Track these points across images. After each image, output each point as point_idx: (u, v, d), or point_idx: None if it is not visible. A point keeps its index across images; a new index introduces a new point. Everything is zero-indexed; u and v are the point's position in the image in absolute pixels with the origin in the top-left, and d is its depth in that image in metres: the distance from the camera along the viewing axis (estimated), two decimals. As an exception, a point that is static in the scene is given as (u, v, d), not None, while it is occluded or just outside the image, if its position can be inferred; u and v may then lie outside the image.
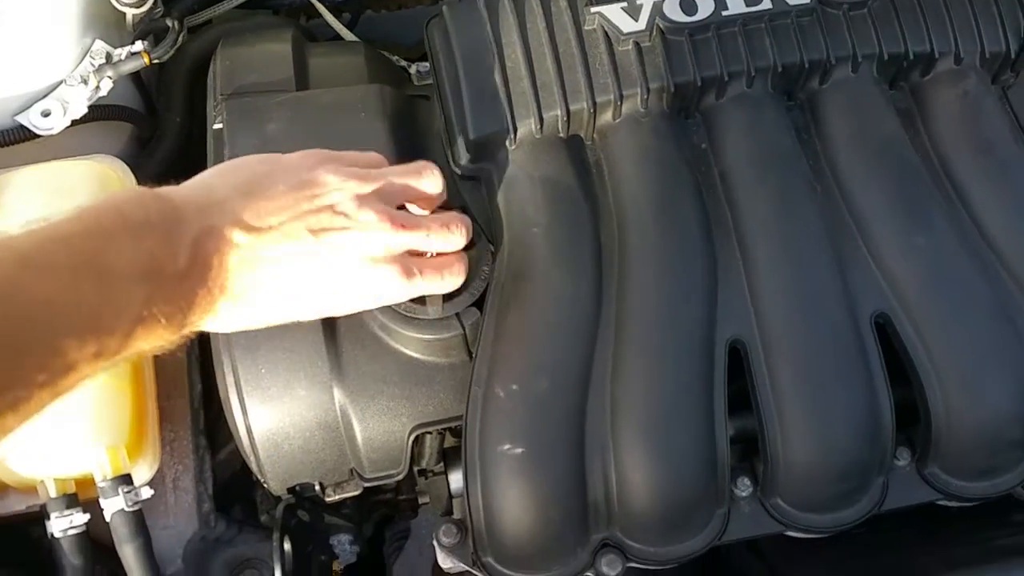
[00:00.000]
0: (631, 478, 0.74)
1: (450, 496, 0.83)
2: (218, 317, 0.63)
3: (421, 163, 0.74)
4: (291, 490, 0.82)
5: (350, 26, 1.15)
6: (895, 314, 0.77)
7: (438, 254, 0.74)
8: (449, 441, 0.85)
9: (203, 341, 0.89)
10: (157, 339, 0.57)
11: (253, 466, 0.80)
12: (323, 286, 0.66)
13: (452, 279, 0.74)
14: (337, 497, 0.83)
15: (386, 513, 1.06)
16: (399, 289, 0.70)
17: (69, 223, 0.54)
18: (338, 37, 1.14)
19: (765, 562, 0.93)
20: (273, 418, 0.78)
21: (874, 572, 0.80)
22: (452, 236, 0.73)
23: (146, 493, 0.76)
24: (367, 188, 0.68)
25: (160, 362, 0.90)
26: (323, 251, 0.65)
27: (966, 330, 0.76)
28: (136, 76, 1.04)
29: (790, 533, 0.83)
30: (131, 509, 0.75)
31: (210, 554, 0.91)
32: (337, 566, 1.18)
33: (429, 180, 0.73)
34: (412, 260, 0.70)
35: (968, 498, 0.80)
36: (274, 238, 0.63)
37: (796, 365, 0.76)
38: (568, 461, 0.73)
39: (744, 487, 0.79)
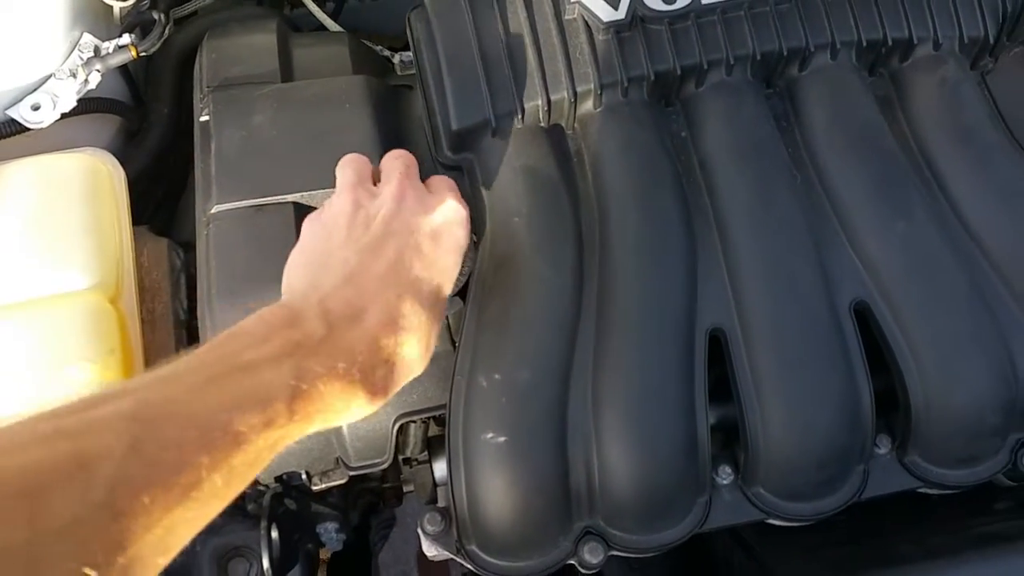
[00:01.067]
0: (613, 466, 0.75)
1: (435, 484, 0.84)
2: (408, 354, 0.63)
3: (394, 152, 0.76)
4: (278, 479, 0.83)
5: (334, 15, 1.15)
6: (874, 301, 0.78)
7: None
8: (433, 430, 0.86)
9: (192, 336, 0.90)
10: (340, 400, 0.57)
11: (239, 455, 0.81)
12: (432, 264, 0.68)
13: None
14: (324, 486, 0.84)
15: (372, 501, 1.06)
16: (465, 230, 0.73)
17: (201, 349, 0.54)
18: (322, 27, 1.14)
19: (747, 550, 0.93)
20: (258, 408, 0.78)
21: (855, 559, 0.80)
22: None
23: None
24: (395, 188, 0.71)
25: (149, 356, 0.91)
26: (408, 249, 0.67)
27: (945, 317, 0.77)
28: (124, 68, 1.05)
29: (771, 521, 0.83)
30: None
31: (198, 543, 0.92)
32: (324, 554, 1.19)
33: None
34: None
35: (949, 486, 0.81)
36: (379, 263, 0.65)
37: (775, 353, 0.76)
38: (550, 450, 0.74)
39: (725, 475, 0.80)
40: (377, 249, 0.65)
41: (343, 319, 0.59)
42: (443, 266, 0.69)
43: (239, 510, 0.97)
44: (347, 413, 0.59)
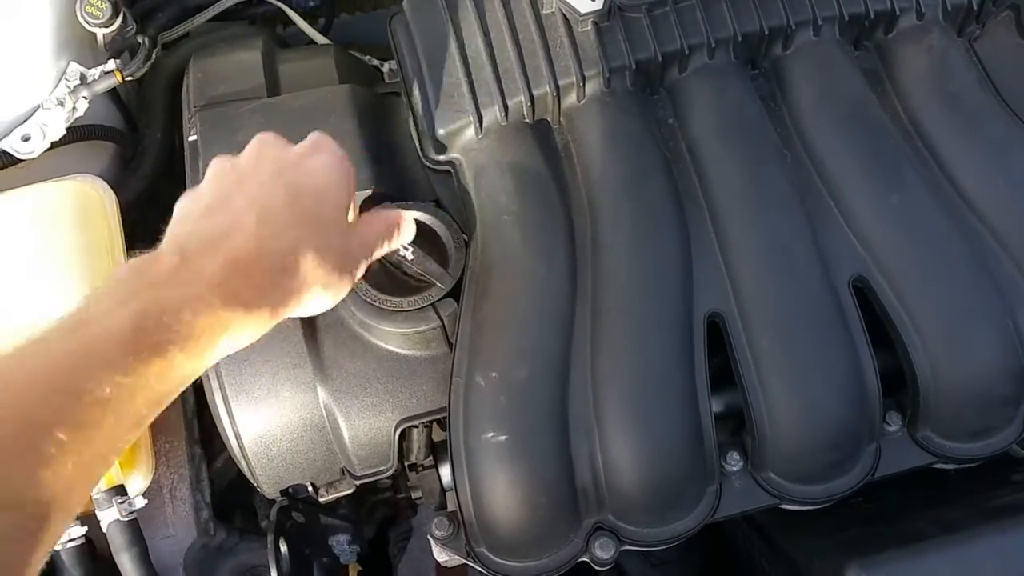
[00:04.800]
0: (617, 459, 0.74)
1: (442, 489, 0.84)
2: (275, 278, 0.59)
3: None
4: (284, 492, 0.83)
5: (324, 30, 1.16)
6: (873, 276, 0.76)
7: None
8: (437, 434, 0.86)
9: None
10: (209, 326, 0.55)
11: (245, 470, 0.81)
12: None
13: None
14: (331, 496, 0.83)
15: (387, 513, 1.06)
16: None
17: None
18: (315, 43, 1.15)
19: (764, 538, 0.92)
20: (260, 422, 0.78)
21: (872, 539, 0.79)
22: None
23: (140, 503, 0.77)
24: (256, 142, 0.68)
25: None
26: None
27: (946, 286, 0.75)
28: (115, 95, 1.06)
29: (784, 506, 0.82)
30: (126, 519, 0.75)
31: (213, 563, 0.92)
32: (354, 570, 1.19)
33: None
34: None
35: (962, 459, 0.79)
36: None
37: (776, 335, 0.75)
38: (553, 446, 0.73)
39: (734, 462, 0.79)
40: (238, 186, 0.62)
41: (200, 249, 0.57)
42: (314, 205, 0.63)
43: (254, 528, 0.97)
44: (227, 338, 0.56)
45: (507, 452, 0.73)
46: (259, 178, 0.63)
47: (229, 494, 0.97)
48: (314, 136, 0.69)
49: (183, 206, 0.63)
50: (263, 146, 0.66)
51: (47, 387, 0.48)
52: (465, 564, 1.06)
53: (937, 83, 0.82)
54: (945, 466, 0.84)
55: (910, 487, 0.85)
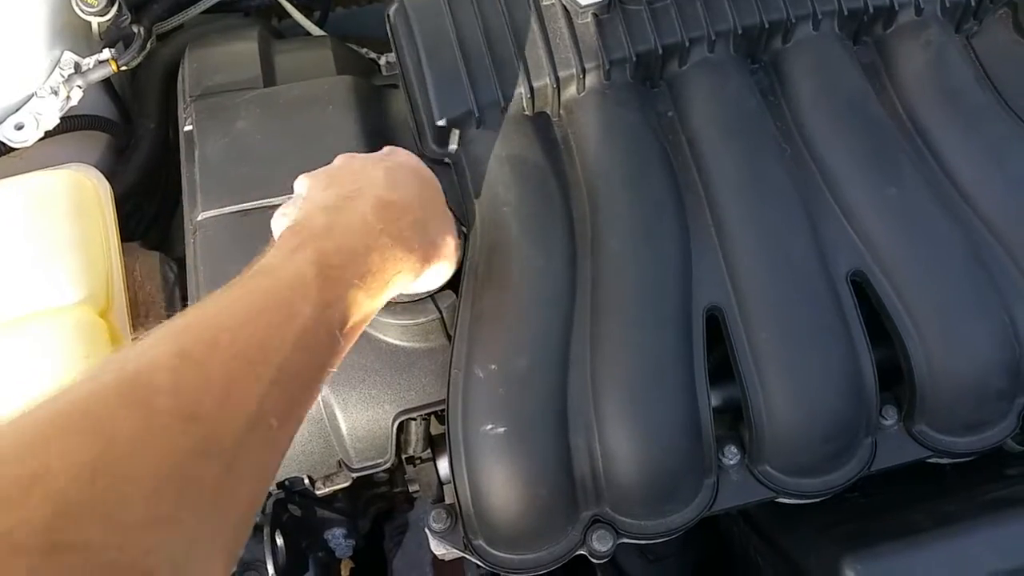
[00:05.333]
0: (616, 452, 0.74)
1: (440, 482, 0.83)
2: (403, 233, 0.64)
3: None
4: (281, 485, 0.82)
5: (320, 22, 1.15)
6: (870, 270, 0.77)
7: None
8: (435, 427, 0.85)
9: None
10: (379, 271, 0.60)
11: (240, 462, 0.80)
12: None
13: None
14: (328, 489, 0.83)
15: (383, 507, 1.05)
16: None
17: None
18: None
19: (761, 534, 0.92)
20: (256, 413, 0.78)
21: (869, 533, 0.79)
22: None
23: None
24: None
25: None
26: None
27: (943, 281, 0.76)
28: (110, 86, 1.05)
29: (781, 500, 0.82)
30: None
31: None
32: (347, 565, 1.18)
33: None
34: None
35: (958, 453, 0.80)
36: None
37: (774, 329, 0.75)
38: (552, 438, 0.73)
39: (732, 455, 0.79)
40: (350, 162, 0.70)
41: (343, 201, 0.62)
42: (428, 196, 0.71)
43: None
44: (397, 276, 0.62)
45: (506, 444, 0.73)
46: (369, 160, 0.70)
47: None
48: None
49: (304, 184, 0.69)
50: (351, 157, 0.72)
51: (261, 323, 0.49)
52: (462, 558, 1.06)
53: (935, 79, 0.82)
54: (940, 460, 0.84)
55: (905, 481, 0.85)
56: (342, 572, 1.14)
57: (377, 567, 1.12)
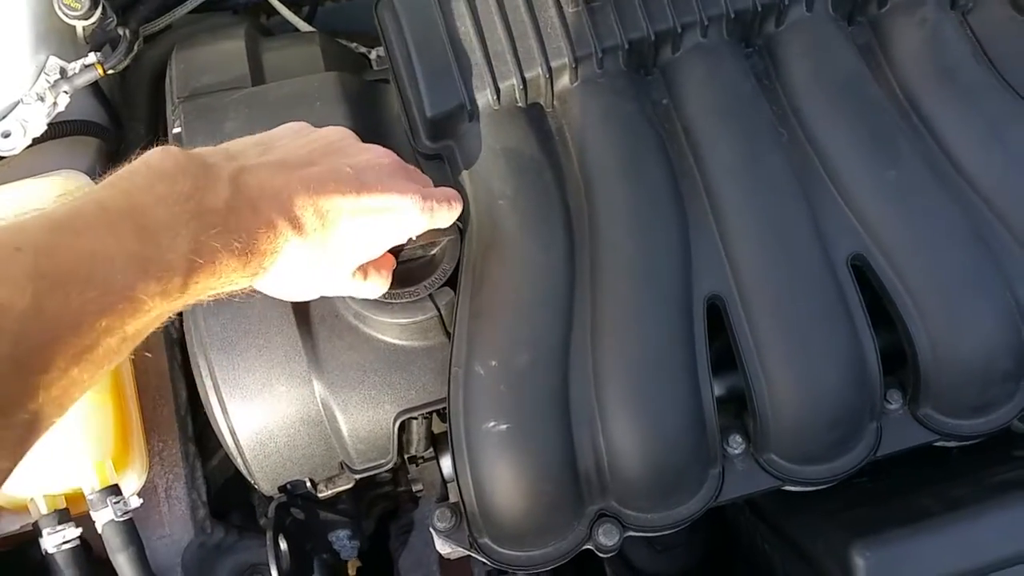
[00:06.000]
0: (620, 444, 0.73)
1: (443, 481, 0.83)
2: (290, 255, 0.62)
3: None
4: (282, 489, 0.82)
5: (308, 18, 1.14)
6: (871, 254, 0.76)
7: None
8: (437, 426, 0.85)
9: (185, 348, 0.89)
10: (229, 277, 0.58)
11: (241, 468, 0.80)
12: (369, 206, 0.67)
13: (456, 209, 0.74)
14: (330, 492, 0.82)
15: (387, 507, 1.05)
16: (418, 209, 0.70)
17: (102, 187, 0.53)
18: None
19: (768, 523, 0.92)
20: (255, 417, 0.77)
21: (875, 519, 0.79)
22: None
23: (135, 502, 0.76)
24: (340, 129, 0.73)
25: (143, 371, 0.90)
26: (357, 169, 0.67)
27: (944, 262, 0.75)
28: (99, 90, 1.04)
29: (788, 488, 0.82)
30: (121, 519, 0.74)
31: (212, 562, 0.91)
32: (353, 566, 1.18)
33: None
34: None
35: (964, 436, 0.79)
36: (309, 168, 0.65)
37: (775, 316, 0.75)
38: (555, 433, 0.73)
39: (736, 444, 0.78)
40: (310, 156, 0.67)
41: (251, 197, 0.59)
42: (368, 204, 0.66)
43: (253, 526, 0.96)
44: (225, 289, 0.59)
45: (509, 441, 0.72)
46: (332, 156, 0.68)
47: (226, 492, 0.96)
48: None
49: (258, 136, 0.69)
50: (340, 134, 0.72)
51: (104, 288, 0.48)
52: (468, 556, 1.05)
53: (931, 57, 0.81)
54: (947, 443, 0.84)
55: (912, 466, 0.85)
56: (349, 572, 1.14)
57: (383, 567, 1.12)
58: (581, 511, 0.76)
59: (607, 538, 0.76)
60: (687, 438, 0.74)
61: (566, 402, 0.73)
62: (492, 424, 0.72)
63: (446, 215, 0.73)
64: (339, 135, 0.71)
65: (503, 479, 0.73)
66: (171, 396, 0.90)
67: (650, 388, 0.73)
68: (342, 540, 0.88)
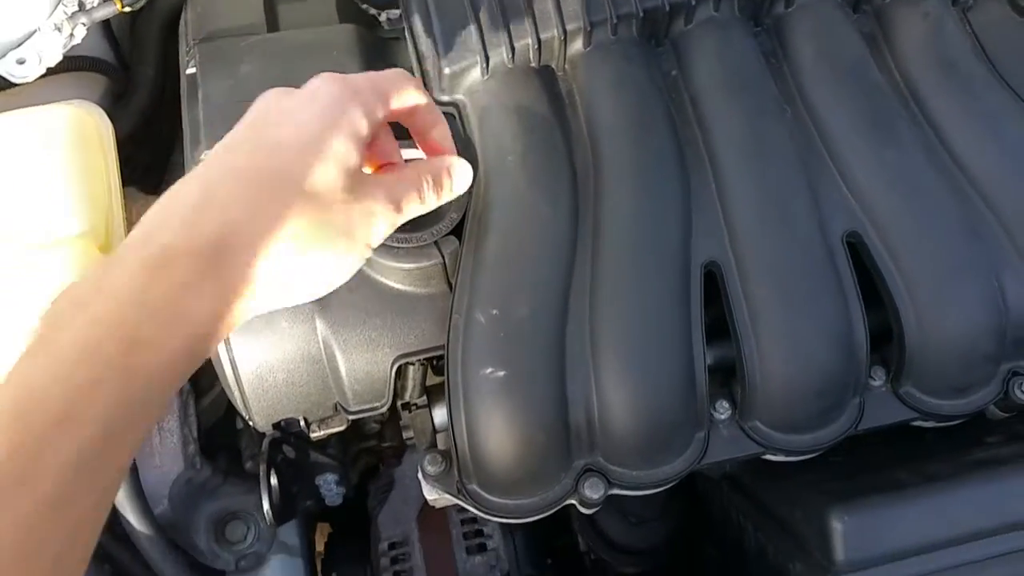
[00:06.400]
0: (611, 401, 0.75)
1: (434, 430, 0.84)
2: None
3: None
4: (276, 426, 0.82)
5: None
6: (865, 232, 0.78)
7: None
8: (432, 379, 0.86)
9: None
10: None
11: (237, 402, 0.80)
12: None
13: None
14: (322, 433, 0.83)
15: (371, 463, 1.06)
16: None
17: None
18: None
19: (743, 491, 0.94)
20: (256, 352, 0.78)
21: (853, 489, 0.81)
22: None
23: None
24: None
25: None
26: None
27: (936, 244, 0.77)
28: (109, 31, 1.04)
29: (769, 457, 0.84)
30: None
31: (197, 500, 0.92)
32: (324, 532, 1.18)
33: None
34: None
35: (943, 415, 0.82)
36: None
37: (770, 285, 0.77)
38: (550, 384, 0.74)
39: (723, 410, 0.80)
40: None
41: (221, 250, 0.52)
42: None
43: (237, 470, 0.97)
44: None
45: (505, 388, 0.73)
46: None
47: (214, 435, 0.97)
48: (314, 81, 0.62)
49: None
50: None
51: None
52: (445, 513, 1.07)
53: (933, 49, 0.84)
54: (924, 423, 0.86)
55: (889, 445, 0.87)
56: (318, 539, 1.15)
57: (357, 534, 1.12)
58: (568, 464, 0.78)
59: (592, 491, 0.78)
60: (677, 399, 0.76)
61: (563, 355, 0.75)
62: (489, 371, 0.73)
63: (448, 192, 0.67)
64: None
65: (496, 425, 0.74)
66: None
67: (645, 347, 0.75)
68: (329, 484, 0.89)
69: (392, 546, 1.05)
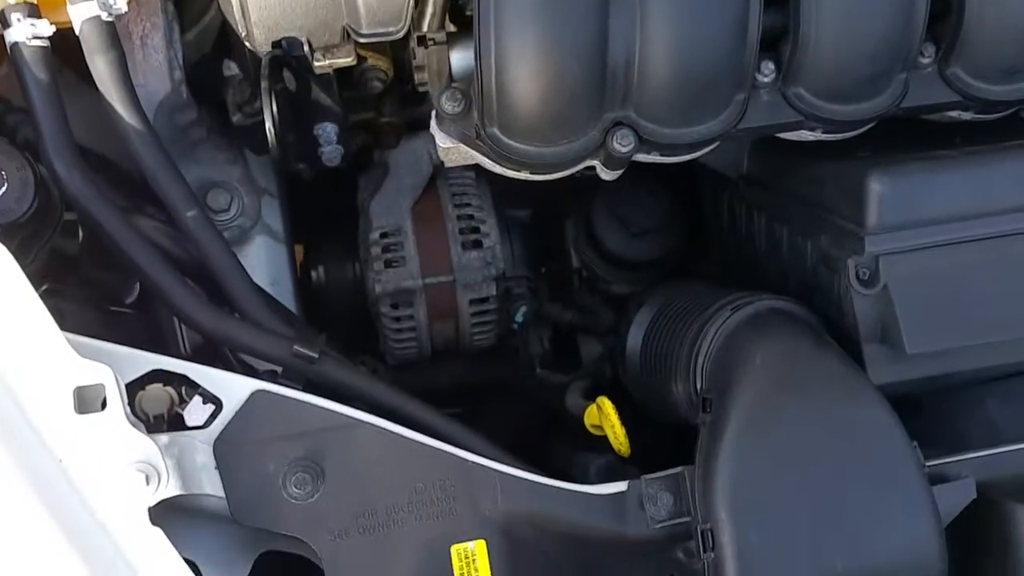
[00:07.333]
0: (655, 42, 0.68)
1: (450, 75, 0.77)
2: None
3: None
4: (276, 44, 0.74)
5: None
6: None
7: None
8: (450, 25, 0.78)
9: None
10: None
11: (235, 10, 0.71)
12: None
13: None
14: (327, 62, 0.75)
15: (366, 142, 0.98)
16: None
17: None
18: None
19: (763, 184, 0.90)
20: (262, -50, 0.68)
21: (888, 161, 0.77)
22: None
23: (121, 4, 0.66)
24: None
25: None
26: None
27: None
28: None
29: (803, 135, 0.80)
30: (107, 19, 0.65)
31: (177, 157, 0.84)
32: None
33: None
34: None
35: (987, 101, 0.78)
36: None
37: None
38: (593, 10, 0.67)
39: (768, 71, 0.75)
40: None
41: None
42: None
43: (219, 129, 0.89)
44: None
45: (543, 8, 0.66)
46: None
47: (199, 86, 0.87)
48: None
49: None
50: None
51: None
52: (440, 204, 1.01)
53: None
54: (963, 115, 0.83)
55: (918, 142, 0.84)
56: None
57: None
58: (599, 115, 0.72)
59: (621, 143, 0.73)
60: (724, 48, 0.70)
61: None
62: (529, -10, 0.65)
63: None
64: None
65: (530, 51, 0.67)
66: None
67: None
68: (328, 134, 0.82)
69: (384, 235, 1.00)
